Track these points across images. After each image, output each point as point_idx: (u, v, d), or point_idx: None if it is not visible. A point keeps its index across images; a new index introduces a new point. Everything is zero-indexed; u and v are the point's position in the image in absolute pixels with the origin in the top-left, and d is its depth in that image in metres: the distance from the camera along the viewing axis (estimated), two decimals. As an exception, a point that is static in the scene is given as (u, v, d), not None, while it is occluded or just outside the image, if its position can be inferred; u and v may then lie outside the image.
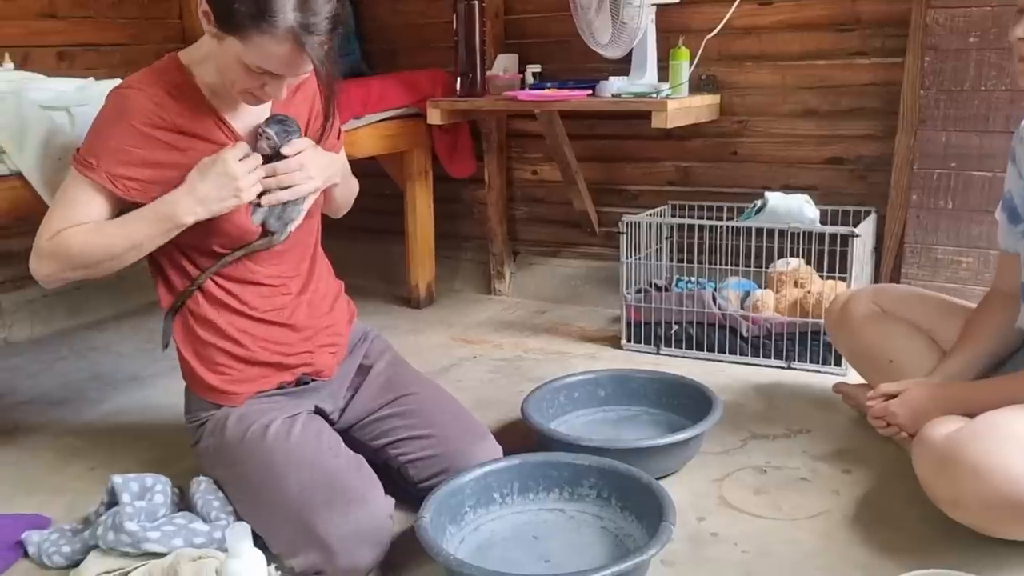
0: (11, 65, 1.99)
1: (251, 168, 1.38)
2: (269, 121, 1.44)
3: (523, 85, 2.62)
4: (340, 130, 1.64)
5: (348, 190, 1.67)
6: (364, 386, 1.62)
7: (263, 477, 1.37)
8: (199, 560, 1.28)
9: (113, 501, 1.45)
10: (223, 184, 1.35)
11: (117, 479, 1.45)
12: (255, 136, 1.44)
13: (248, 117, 1.46)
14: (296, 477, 1.35)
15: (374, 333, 1.72)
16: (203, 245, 1.45)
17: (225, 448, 1.45)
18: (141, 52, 2.84)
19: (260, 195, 1.42)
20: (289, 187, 1.42)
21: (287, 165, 1.43)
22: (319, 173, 1.47)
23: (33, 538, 1.45)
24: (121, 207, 1.42)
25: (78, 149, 1.41)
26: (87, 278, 1.45)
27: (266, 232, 1.46)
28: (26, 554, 1.45)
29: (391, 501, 1.39)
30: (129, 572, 1.31)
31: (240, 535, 1.12)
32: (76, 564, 1.38)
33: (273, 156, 1.44)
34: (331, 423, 1.56)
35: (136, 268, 1.50)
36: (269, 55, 1.27)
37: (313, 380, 1.56)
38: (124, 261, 1.40)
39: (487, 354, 2.43)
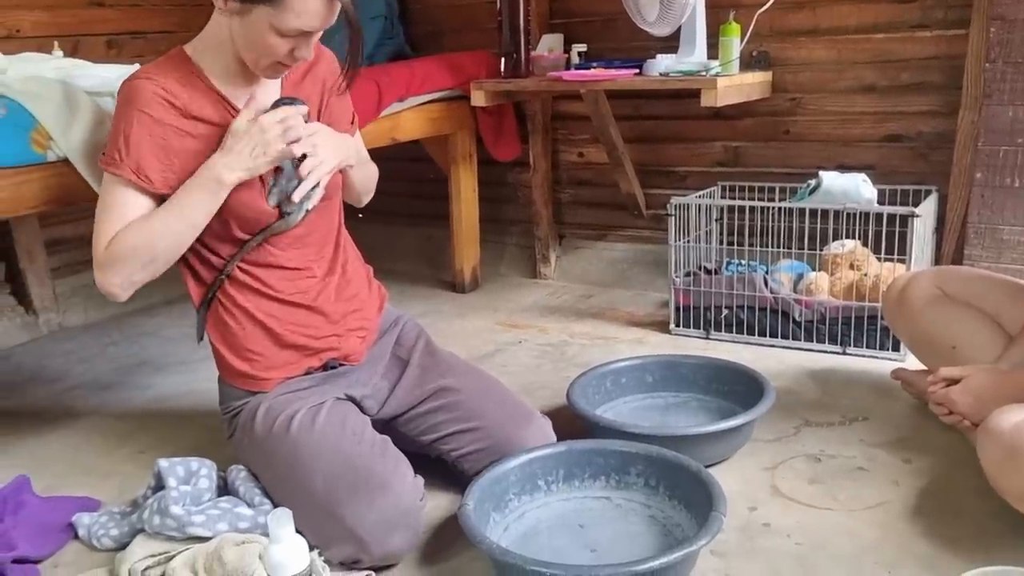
0: (60, 53, 2.03)
1: (281, 120, 1.37)
2: (277, 105, 1.43)
3: (568, 65, 2.57)
4: (354, 115, 1.64)
5: (366, 176, 1.66)
6: (403, 379, 1.60)
7: (291, 468, 1.38)
8: (243, 545, 1.28)
9: (160, 485, 1.46)
10: (254, 141, 1.36)
11: (163, 463, 1.46)
12: None
13: (255, 104, 1.44)
14: (320, 467, 1.35)
15: (406, 318, 1.71)
16: (224, 233, 1.46)
17: (254, 443, 1.45)
18: (187, 39, 2.83)
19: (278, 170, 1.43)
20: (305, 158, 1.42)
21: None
22: (332, 153, 1.46)
23: (83, 520, 1.47)
24: (157, 201, 1.42)
25: (103, 152, 1.41)
26: (154, 276, 1.43)
27: (282, 213, 1.46)
28: (76, 536, 1.47)
29: (419, 482, 1.38)
30: (174, 556, 1.32)
31: (282, 521, 1.11)
32: (124, 547, 1.39)
33: None
34: (363, 409, 1.54)
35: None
36: (304, 10, 1.30)
37: (341, 365, 1.55)
38: (183, 241, 1.41)
39: (532, 339, 2.41)
